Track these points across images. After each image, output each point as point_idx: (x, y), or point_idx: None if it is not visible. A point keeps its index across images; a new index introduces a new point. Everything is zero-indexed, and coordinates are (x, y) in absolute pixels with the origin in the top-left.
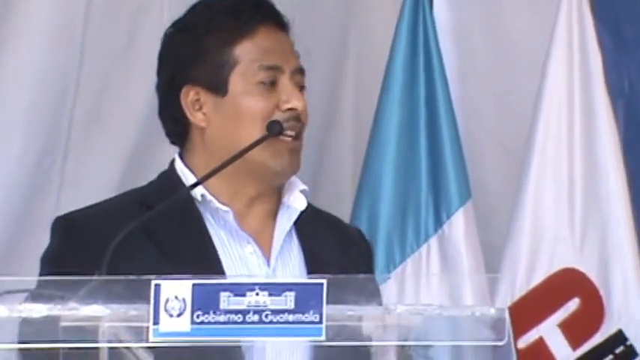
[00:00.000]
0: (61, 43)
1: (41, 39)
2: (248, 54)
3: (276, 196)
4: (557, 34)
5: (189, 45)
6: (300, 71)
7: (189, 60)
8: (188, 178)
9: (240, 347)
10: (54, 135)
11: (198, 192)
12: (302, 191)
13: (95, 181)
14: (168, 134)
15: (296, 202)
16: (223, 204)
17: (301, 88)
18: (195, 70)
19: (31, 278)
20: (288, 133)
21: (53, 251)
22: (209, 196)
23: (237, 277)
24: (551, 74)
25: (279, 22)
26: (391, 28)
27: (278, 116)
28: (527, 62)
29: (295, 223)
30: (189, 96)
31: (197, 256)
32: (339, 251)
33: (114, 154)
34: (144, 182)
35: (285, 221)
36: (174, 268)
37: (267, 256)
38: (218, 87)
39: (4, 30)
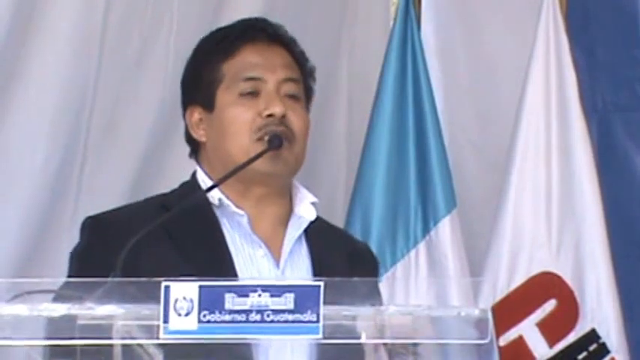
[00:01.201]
0: (79, 63)
1: (61, 56)
2: (231, 69)
3: (287, 205)
4: (535, 54)
5: (192, 70)
6: (290, 80)
7: (191, 83)
8: (207, 185)
9: (242, 344)
10: (73, 145)
11: (215, 196)
12: (313, 203)
13: (110, 188)
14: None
15: (306, 212)
16: (239, 208)
17: (292, 97)
18: (195, 92)
19: (49, 280)
20: (267, 138)
21: (82, 248)
22: (226, 201)
23: (240, 280)
24: (529, 92)
25: (271, 37)
26: (381, 47)
27: (258, 123)
28: (508, 81)
29: (306, 233)
30: (193, 116)
31: (212, 257)
32: (345, 261)
33: (127, 162)
34: (155, 188)
35: (295, 229)
36: (191, 267)
37: (277, 259)
38: (209, 103)
39: (27, 48)
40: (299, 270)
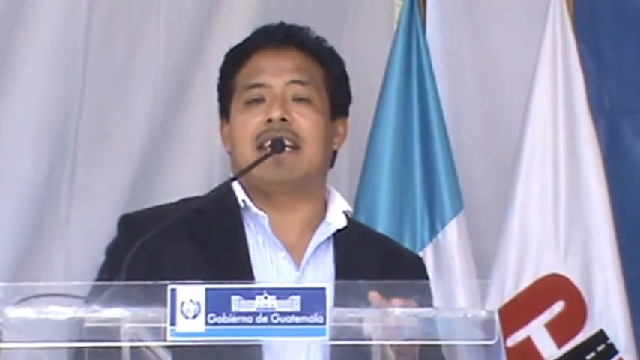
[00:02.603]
0: (64, 65)
1: (45, 62)
2: (241, 80)
3: (317, 211)
4: (542, 55)
5: (218, 84)
6: (297, 83)
7: (219, 97)
8: (237, 191)
9: (251, 346)
10: (61, 152)
11: (241, 198)
12: (345, 211)
13: (102, 194)
14: None
15: (336, 220)
16: (261, 210)
17: (301, 99)
18: (221, 105)
19: (56, 283)
20: (266, 144)
21: (112, 244)
22: (248, 202)
23: (255, 282)
24: (536, 93)
25: (281, 42)
26: (384, 49)
27: (259, 130)
28: (515, 82)
29: (338, 239)
30: (223, 129)
31: (231, 258)
32: (377, 268)
33: (119, 168)
34: (151, 192)
35: (321, 235)
36: (209, 266)
37: (298, 263)
38: (227, 115)
39: (10, 54)
40: (321, 274)
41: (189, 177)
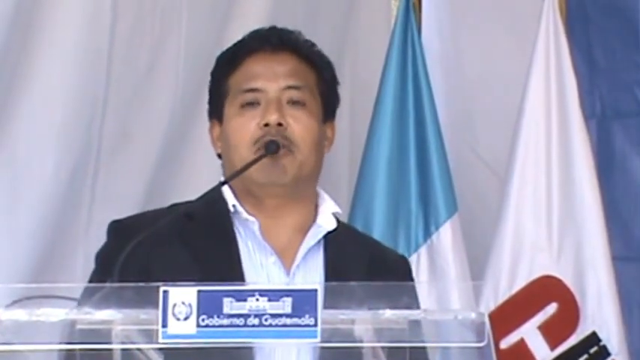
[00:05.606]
0: (89, 68)
1: (69, 64)
2: (235, 82)
3: (308, 214)
4: (535, 59)
5: (210, 85)
6: (293, 88)
7: (210, 98)
8: (227, 196)
9: (242, 348)
10: (84, 153)
11: (231, 203)
12: (334, 213)
13: (123, 197)
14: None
15: (326, 222)
16: (251, 215)
17: (296, 103)
18: (212, 107)
19: (48, 285)
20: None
21: (102, 250)
22: (239, 208)
23: (240, 285)
24: (529, 96)
25: (275, 46)
26: (383, 53)
27: (257, 134)
28: (508, 85)
29: (327, 241)
30: (213, 129)
31: (222, 262)
32: (365, 270)
33: (140, 171)
34: (169, 196)
35: (312, 238)
36: (201, 271)
37: (289, 267)
38: (219, 116)
39: (34, 55)
40: (311, 278)
41: (207, 180)
